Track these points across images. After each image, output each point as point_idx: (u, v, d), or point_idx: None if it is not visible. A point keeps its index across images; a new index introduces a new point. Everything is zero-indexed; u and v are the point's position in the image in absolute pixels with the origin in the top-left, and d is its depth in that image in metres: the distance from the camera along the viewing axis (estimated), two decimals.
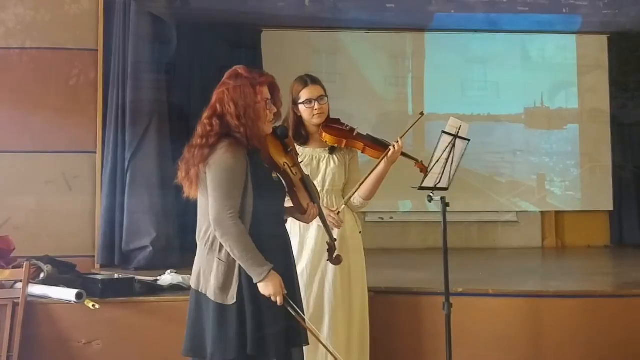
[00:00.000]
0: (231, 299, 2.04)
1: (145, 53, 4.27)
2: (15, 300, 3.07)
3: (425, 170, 2.66)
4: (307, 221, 2.30)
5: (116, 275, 3.47)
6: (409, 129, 2.73)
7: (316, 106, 2.63)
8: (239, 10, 5.36)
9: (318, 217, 2.31)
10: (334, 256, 2.33)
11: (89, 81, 4.29)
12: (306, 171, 2.62)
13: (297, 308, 2.10)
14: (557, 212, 6.02)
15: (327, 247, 2.32)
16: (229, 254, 2.05)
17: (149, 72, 4.27)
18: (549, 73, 6.02)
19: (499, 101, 6.02)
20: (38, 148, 4.23)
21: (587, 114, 6.09)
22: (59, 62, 4.28)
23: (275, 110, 2.18)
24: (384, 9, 5.50)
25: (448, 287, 2.71)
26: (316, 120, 2.66)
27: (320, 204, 2.46)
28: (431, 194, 2.68)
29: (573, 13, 5.63)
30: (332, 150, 2.69)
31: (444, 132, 2.63)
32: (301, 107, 2.66)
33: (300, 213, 2.24)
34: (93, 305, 3.06)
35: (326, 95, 2.68)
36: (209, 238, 2.09)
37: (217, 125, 2.09)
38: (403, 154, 2.63)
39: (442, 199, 2.69)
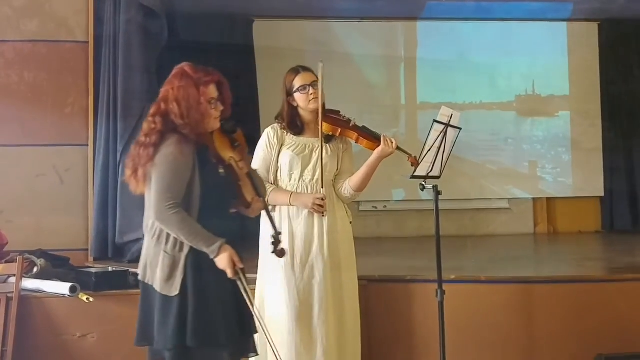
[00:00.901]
0: (175, 290, 2.09)
1: (136, 44, 4.23)
2: (9, 295, 3.07)
3: (416, 164, 2.68)
4: (252, 214, 2.34)
5: (110, 268, 3.47)
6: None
7: (310, 91, 2.64)
8: (230, 0, 5.33)
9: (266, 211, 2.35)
10: (278, 249, 2.33)
11: (80, 73, 4.26)
12: (298, 160, 2.63)
13: (246, 285, 2.14)
14: (549, 199, 6.07)
15: (271, 240, 2.32)
16: (174, 246, 2.11)
17: (140, 63, 4.24)
18: (540, 60, 6.03)
19: (490, 89, 6.04)
20: (29, 141, 4.20)
21: (577, 100, 6.12)
22: (50, 55, 4.25)
23: (222, 108, 2.22)
24: None
25: (441, 274, 2.73)
26: (312, 106, 2.65)
27: (312, 190, 2.56)
28: (423, 183, 2.70)
29: (563, 1, 5.64)
30: (327, 140, 2.69)
31: (435, 120, 2.64)
32: (296, 95, 2.66)
33: (245, 207, 2.28)
34: (87, 299, 3.06)
35: (318, 81, 2.68)
36: (155, 231, 2.15)
37: (160, 124, 2.14)
38: (397, 149, 2.65)
39: (435, 187, 2.70)
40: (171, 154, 2.09)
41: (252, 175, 2.30)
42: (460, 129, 2.72)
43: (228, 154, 2.23)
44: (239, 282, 2.13)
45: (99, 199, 4.20)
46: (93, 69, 4.27)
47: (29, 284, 3.20)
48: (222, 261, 2.11)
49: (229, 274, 2.11)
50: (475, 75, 5.97)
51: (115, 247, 4.18)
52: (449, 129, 2.67)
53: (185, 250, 2.12)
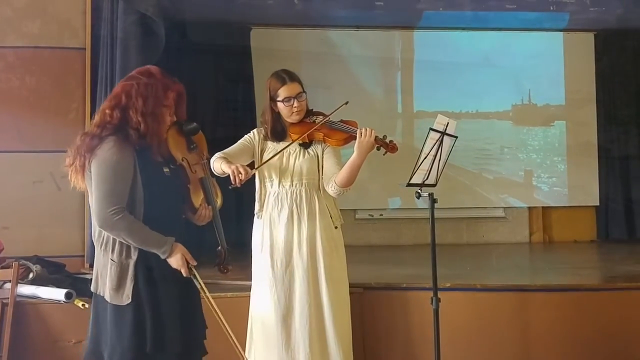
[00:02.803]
0: (126, 298, 2.02)
1: (133, 52, 4.24)
2: (4, 301, 3.07)
3: (383, 145, 2.56)
4: (199, 222, 2.23)
5: None
6: (333, 112, 2.63)
7: (295, 104, 2.63)
8: (228, 7, 5.36)
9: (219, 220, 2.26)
10: (222, 265, 2.26)
11: (77, 80, 4.27)
12: (275, 166, 2.62)
13: (201, 282, 2.07)
14: (544, 208, 6.08)
15: (216, 253, 2.25)
16: (121, 254, 2.03)
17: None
18: (536, 70, 6.07)
19: (486, 98, 6.06)
20: (26, 148, 4.21)
21: (573, 110, 6.15)
22: (47, 61, 4.26)
23: (175, 120, 2.16)
24: (373, 7, 5.52)
25: (436, 282, 2.73)
26: (295, 118, 2.66)
27: (293, 195, 2.51)
28: (419, 191, 2.70)
29: (560, 11, 5.68)
30: (305, 145, 2.67)
31: (431, 129, 2.64)
32: (279, 105, 2.65)
33: (191, 212, 2.19)
34: (83, 305, 3.06)
35: (304, 92, 2.67)
36: (103, 239, 2.07)
37: (117, 118, 2.05)
38: (376, 140, 2.55)
39: (430, 195, 2.70)
40: (110, 157, 2.00)
41: (204, 181, 2.22)
42: (456, 137, 2.73)
43: (181, 155, 2.17)
44: (194, 280, 2.07)
45: None
46: (90, 76, 4.28)
47: (25, 290, 3.20)
48: (176, 261, 2.05)
49: (183, 272, 2.05)
50: (471, 84, 5.99)
51: None
52: (445, 137, 2.68)
53: (134, 257, 2.04)
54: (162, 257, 2.04)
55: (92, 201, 2.05)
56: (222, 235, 2.26)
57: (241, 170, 2.43)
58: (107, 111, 2.07)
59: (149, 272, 2.06)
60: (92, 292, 2.13)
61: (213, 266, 2.28)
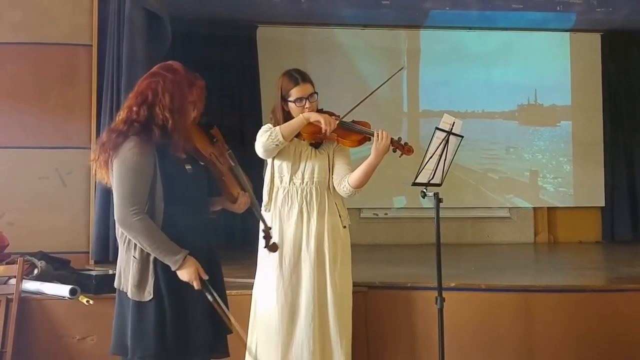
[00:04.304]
0: (148, 295, 2.04)
1: (140, 48, 4.25)
2: (9, 296, 3.08)
3: (399, 147, 2.60)
4: (239, 210, 2.29)
5: (110, 271, 3.46)
6: (386, 81, 2.70)
7: (307, 104, 2.63)
8: (234, 5, 5.37)
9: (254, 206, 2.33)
10: (270, 244, 2.36)
11: (83, 77, 4.28)
12: (288, 164, 2.64)
13: (215, 294, 2.08)
14: (550, 208, 6.08)
15: (262, 234, 2.36)
16: (142, 250, 2.06)
17: (144, 67, 4.25)
18: (543, 70, 6.07)
19: (492, 98, 6.06)
20: (32, 144, 4.21)
21: (579, 111, 6.14)
22: (53, 58, 4.27)
23: (196, 114, 2.19)
24: (380, 5, 5.52)
25: (441, 281, 2.73)
26: None
27: (303, 193, 2.53)
28: (425, 190, 2.69)
29: (567, 11, 5.67)
30: (316, 145, 2.67)
31: (437, 128, 2.64)
32: (291, 105, 2.65)
33: (231, 202, 2.25)
34: (87, 301, 3.06)
35: (316, 92, 2.67)
36: (125, 237, 2.09)
37: (143, 115, 2.07)
38: (392, 143, 2.58)
39: (436, 194, 2.69)
40: (131, 157, 2.03)
41: (234, 170, 2.28)
42: (462, 136, 2.72)
43: (208, 150, 2.22)
44: (207, 295, 2.07)
45: (101, 202, 4.20)
46: (97, 73, 4.29)
47: (29, 285, 3.20)
48: (187, 274, 2.05)
49: (195, 285, 2.05)
50: (477, 83, 5.99)
51: (116, 250, 4.15)
52: (451, 136, 2.67)
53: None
54: (173, 268, 2.04)
55: (114, 199, 2.08)
56: (263, 218, 2.35)
57: (331, 119, 2.55)
58: (133, 108, 2.09)
59: (170, 268, 2.07)
60: (115, 289, 2.16)
61: (263, 247, 2.38)
